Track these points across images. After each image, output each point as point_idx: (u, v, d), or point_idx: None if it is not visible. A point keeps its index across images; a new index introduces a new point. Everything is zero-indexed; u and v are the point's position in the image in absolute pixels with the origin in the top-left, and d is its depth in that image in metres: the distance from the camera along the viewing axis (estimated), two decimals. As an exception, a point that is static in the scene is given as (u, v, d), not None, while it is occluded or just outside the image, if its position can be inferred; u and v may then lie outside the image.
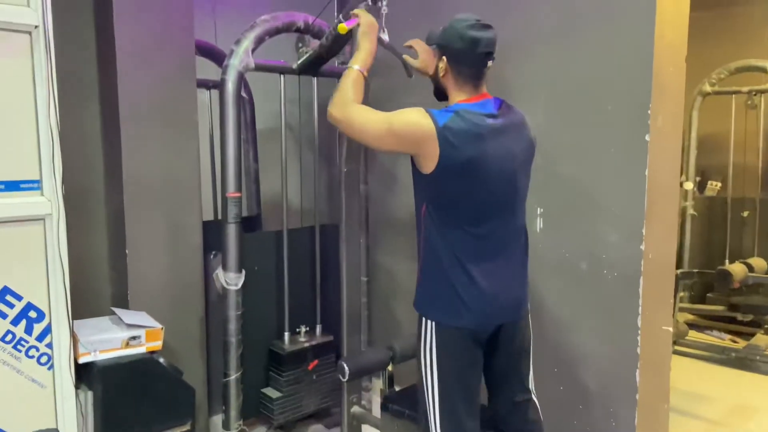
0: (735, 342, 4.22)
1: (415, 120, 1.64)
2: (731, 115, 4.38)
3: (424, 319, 1.76)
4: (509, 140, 1.72)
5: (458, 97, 1.74)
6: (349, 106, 1.72)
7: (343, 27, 1.97)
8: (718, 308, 4.38)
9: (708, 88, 4.29)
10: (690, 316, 4.50)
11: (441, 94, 1.83)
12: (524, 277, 1.86)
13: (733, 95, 4.34)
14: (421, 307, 1.79)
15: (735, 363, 3.92)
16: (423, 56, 1.95)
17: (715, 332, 4.42)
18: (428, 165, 1.65)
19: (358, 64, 1.82)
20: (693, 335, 4.24)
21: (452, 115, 1.65)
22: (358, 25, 1.92)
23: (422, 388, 1.78)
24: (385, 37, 2.12)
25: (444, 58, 1.74)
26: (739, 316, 4.27)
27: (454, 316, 1.71)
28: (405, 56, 2.05)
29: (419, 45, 1.98)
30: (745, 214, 4.53)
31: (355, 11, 1.96)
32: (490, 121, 1.69)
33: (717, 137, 4.53)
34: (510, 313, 1.80)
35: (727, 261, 4.36)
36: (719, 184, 4.72)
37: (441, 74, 1.76)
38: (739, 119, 4.41)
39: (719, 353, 3.99)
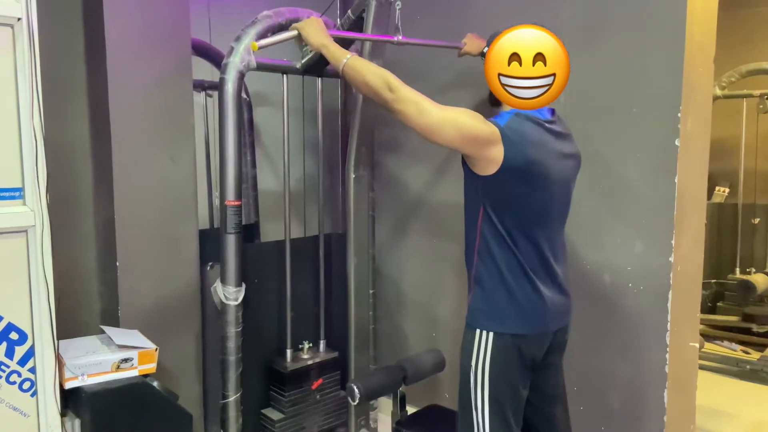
0: (747, 353, 4.12)
1: (478, 124, 1.60)
2: (742, 119, 4.29)
3: (479, 331, 1.70)
4: (564, 147, 1.73)
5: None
6: (399, 86, 1.65)
7: (255, 45, 1.91)
8: (732, 318, 4.26)
9: (718, 92, 4.20)
10: (700, 326, 4.39)
11: (496, 100, 1.77)
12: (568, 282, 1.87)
13: (745, 99, 4.25)
14: (477, 318, 1.73)
15: (749, 375, 3.83)
16: (468, 42, 2.25)
17: (725, 342, 4.31)
18: (489, 167, 1.62)
19: (346, 55, 1.77)
20: (706, 346, 4.13)
21: (512, 116, 1.63)
22: (299, 35, 1.91)
23: (468, 408, 1.72)
24: (400, 37, 2.00)
25: None
26: (755, 327, 4.17)
27: (515, 324, 1.68)
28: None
29: (468, 37, 2.25)
30: (756, 221, 4.44)
31: (294, 24, 1.93)
32: (548, 125, 1.68)
33: (726, 142, 4.43)
34: (564, 318, 1.82)
35: (738, 270, 4.27)
36: (727, 190, 4.63)
37: None
38: (751, 123, 4.32)
39: (733, 365, 3.88)
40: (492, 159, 1.60)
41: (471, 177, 1.70)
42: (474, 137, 1.60)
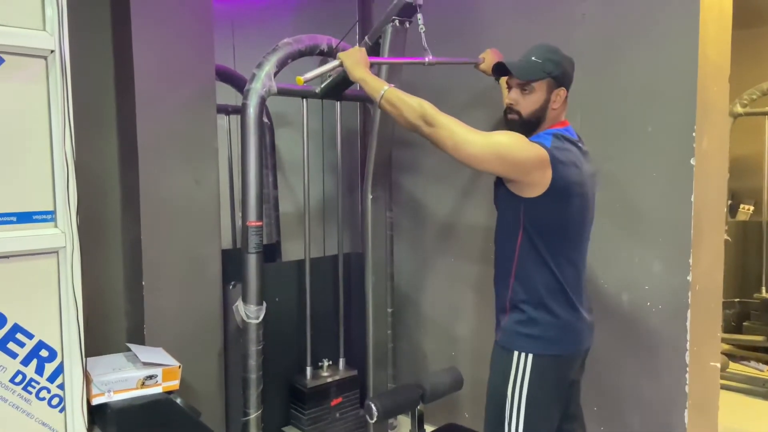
0: (774, 373, 4.03)
1: (524, 146, 1.59)
2: (764, 137, 4.25)
3: (516, 353, 1.68)
4: (590, 167, 1.73)
5: (548, 124, 1.72)
6: (436, 118, 1.65)
7: (300, 79, 1.93)
8: (758, 338, 4.18)
9: (739, 109, 4.17)
10: (726, 346, 4.31)
11: (529, 128, 1.72)
12: None
13: (766, 116, 4.21)
14: (514, 341, 1.70)
15: (776, 396, 3.74)
16: (487, 58, 2.24)
17: (752, 363, 4.22)
18: (535, 190, 1.60)
19: (384, 85, 1.79)
20: (731, 366, 4.05)
21: (554, 138, 1.63)
22: (341, 65, 1.93)
23: (501, 428, 1.71)
24: (430, 57, 2.05)
25: (563, 88, 1.71)
26: (782, 347, 4.08)
27: (555, 345, 1.67)
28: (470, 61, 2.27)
29: (487, 53, 2.25)
30: (782, 239, 4.36)
31: (339, 54, 1.95)
32: (580, 145, 1.70)
33: (749, 159, 4.39)
34: (592, 336, 1.81)
35: (763, 288, 4.19)
36: (752, 208, 4.56)
37: (555, 106, 1.71)
38: (773, 141, 4.28)
39: (760, 386, 3.79)
40: (538, 182, 1.59)
41: (511, 199, 1.66)
42: (519, 162, 1.58)
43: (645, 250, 2.18)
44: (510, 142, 1.59)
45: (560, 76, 1.69)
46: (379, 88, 1.78)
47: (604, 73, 2.25)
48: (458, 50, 2.54)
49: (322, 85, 2.53)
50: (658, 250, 2.15)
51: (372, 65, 2.16)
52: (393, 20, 2.12)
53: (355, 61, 1.90)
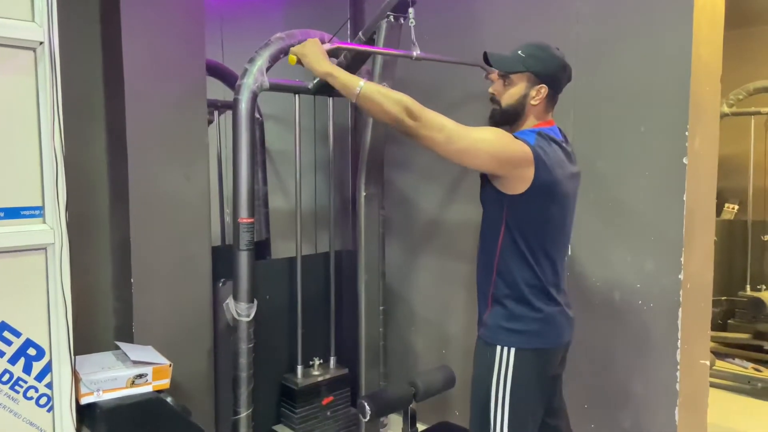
0: (758, 371, 4.08)
1: (510, 143, 1.60)
2: (750, 137, 4.30)
3: (500, 348, 1.69)
4: (573, 167, 1.75)
5: (532, 123, 1.73)
6: (422, 112, 1.60)
7: (293, 58, 1.85)
8: (743, 336, 4.23)
9: (726, 109, 4.21)
10: (711, 344, 4.36)
11: (507, 119, 1.76)
12: None
13: (753, 116, 4.25)
14: (497, 335, 1.72)
15: (761, 393, 3.79)
16: None
17: (737, 360, 4.28)
18: (519, 186, 1.61)
19: (359, 80, 1.70)
20: (717, 364, 4.10)
21: (537, 136, 1.64)
22: (300, 63, 1.86)
23: (486, 425, 1.71)
24: (417, 52, 2.04)
25: (544, 86, 1.70)
26: (766, 345, 4.13)
27: (537, 339, 1.69)
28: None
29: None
30: (766, 237, 4.42)
31: (293, 48, 1.87)
32: (563, 145, 1.71)
33: (735, 159, 4.43)
34: (572, 330, 1.82)
35: (748, 287, 4.24)
36: (736, 207, 4.62)
37: (535, 102, 1.71)
38: (759, 141, 4.32)
39: (745, 383, 3.84)
40: (523, 178, 1.60)
41: (495, 195, 1.68)
42: (508, 158, 1.59)
43: (637, 249, 2.20)
44: (497, 138, 1.60)
45: (541, 73, 1.70)
46: (355, 83, 1.67)
47: (597, 72, 2.26)
48: (453, 48, 2.54)
49: (315, 81, 2.51)
50: (650, 248, 2.17)
51: (365, 60, 2.15)
52: (387, 16, 2.11)
53: (315, 55, 1.80)
